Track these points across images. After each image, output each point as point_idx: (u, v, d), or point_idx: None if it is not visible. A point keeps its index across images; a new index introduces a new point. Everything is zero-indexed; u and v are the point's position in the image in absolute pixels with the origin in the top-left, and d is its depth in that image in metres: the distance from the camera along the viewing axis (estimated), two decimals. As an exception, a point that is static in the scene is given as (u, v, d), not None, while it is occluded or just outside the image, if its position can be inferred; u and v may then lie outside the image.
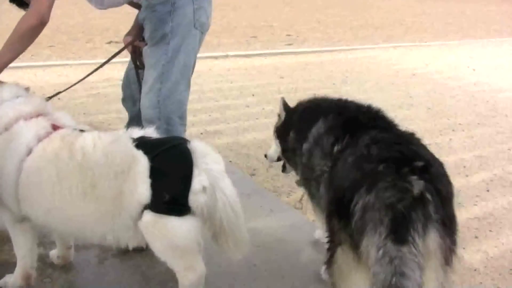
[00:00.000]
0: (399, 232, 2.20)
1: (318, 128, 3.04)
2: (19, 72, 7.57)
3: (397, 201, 2.25)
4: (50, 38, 9.79)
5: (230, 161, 4.97)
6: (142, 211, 2.55)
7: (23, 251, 3.03)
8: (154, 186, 2.53)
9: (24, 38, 3.12)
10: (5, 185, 2.77)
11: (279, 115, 3.68)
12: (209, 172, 2.60)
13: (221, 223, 2.61)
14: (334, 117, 3.05)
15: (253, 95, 7.22)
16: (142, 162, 2.56)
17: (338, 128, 2.94)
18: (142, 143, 2.65)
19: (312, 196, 3.19)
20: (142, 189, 2.53)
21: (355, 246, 2.33)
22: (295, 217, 4.10)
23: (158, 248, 2.66)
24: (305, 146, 3.11)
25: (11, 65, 3.12)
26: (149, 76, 3.53)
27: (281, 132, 3.61)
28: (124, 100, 4.03)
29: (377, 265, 2.21)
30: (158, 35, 3.49)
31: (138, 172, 2.55)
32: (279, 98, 6.55)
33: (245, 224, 2.70)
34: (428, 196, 2.27)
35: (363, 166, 2.48)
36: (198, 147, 2.65)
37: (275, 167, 4.97)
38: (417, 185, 2.28)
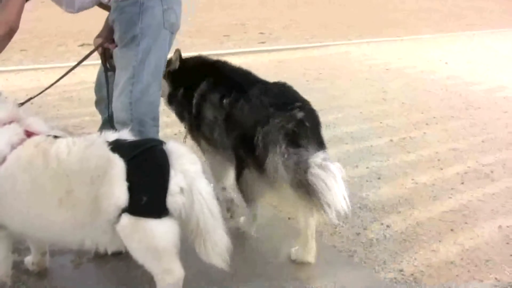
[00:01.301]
0: (294, 141, 3.16)
1: (204, 87, 3.77)
2: (-10, 78, 7.51)
3: (287, 123, 3.19)
4: (22, 42, 9.69)
5: (205, 161, 4.94)
6: (120, 215, 2.54)
7: None
8: (131, 188, 2.52)
9: None
10: None
11: (172, 61, 4.07)
12: (186, 173, 2.60)
13: (198, 224, 2.61)
14: (216, 78, 3.77)
15: (227, 94, 7.21)
16: (118, 165, 2.55)
17: (222, 86, 3.67)
18: (117, 146, 2.64)
19: (206, 139, 3.89)
20: (119, 193, 2.52)
21: (259, 165, 3.28)
22: (270, 216, 4.12)
23: (136, 251, 2.66)
24: (194, 101, 3.82)
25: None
26: (120, 78, 3.51)
27: (173, 79, 4.09)
28: (97, 103, 4.01)
29: (284, 165, 3.12)
30: (128, 36, 3.47)
31: (115, 176, 2.53)
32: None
33: (223, 226, 2.69)
34: (306, 123, 3.24)
35: (259, 111, 3.35)
36: (174, 148, 2.65)
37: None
38: (299, 114, 3.24)
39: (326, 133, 5.77)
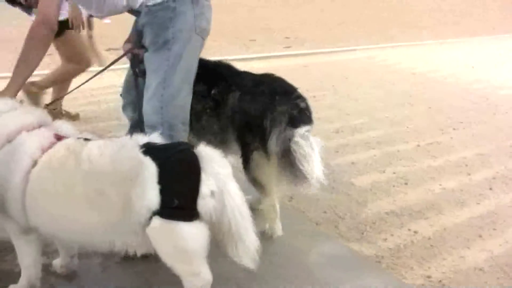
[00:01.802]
0: (293, 123, 3.50)
1: None
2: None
3: (291, 110, 3.55)
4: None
5: (232, 166, 4.95)
6: (151, 217, 2.54)
7: (28, 261, 3.04)
8: (163, 191, 2.52)
9: (38, 48, 3.18)
10: (12, 198, 2.76)
11: None
12: (217, 176, 2.59)
13: (230, 227, 2.60)
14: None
15: (253, 98, 7.22)
16: (150, 168, 2.55)
17: (206, 78, 3.80)
18: (149, 149, 2.64)
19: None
20: (151, 195, 2.52)
21: (265, 149, 3.58)
22: (298, 220, 4.13)
23: (166, 253, 2.66)
24: None
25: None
26: (152, 82, 3.52)
27: None
28: (124, 107, 4.01)
29: (279, 140, 3.49)
30: (160, 41, 3.47)
31: (146, 178, 2.53)
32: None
33: (253, 228, 2.69)
34: (306, 112, 3.64)
35: (262, 99, 3.61)
36: (205, 152, 2.65)
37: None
38: (302, 104, 3.63)
39: (352, 138, 5.85)
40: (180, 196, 2.55)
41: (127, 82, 3.92)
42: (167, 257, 2.67)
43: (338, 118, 6.65)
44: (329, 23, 14.18)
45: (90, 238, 2.76)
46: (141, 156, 2.60)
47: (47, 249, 3.43)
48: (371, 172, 5.05)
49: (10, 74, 3.19)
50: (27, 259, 3.04)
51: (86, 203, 2.62)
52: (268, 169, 3.71)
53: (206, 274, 2.69)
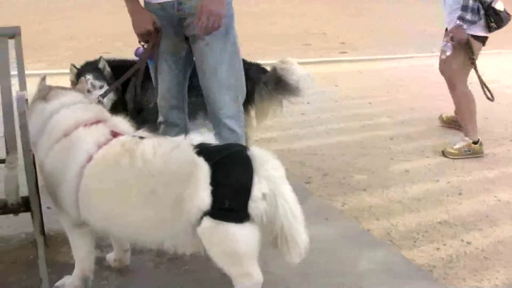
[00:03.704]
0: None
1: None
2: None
3: (271, 77, 4.72)
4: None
5: (286, 169, 4.95)
6: (202, 218, 2.55)
7: (82, 254, 3.10)
8: (215, 193, 2.53)
9: None
10: (66, 191, 2.81)
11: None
12: (269, 178, 2.58)
13: (282, 228, 2.59)
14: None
15: (308, 103, 7.19)
16: (203, 169, 2.56)
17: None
18: (202, 150, 2.65)
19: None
20: (203, 196, 2.53)
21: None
22: (350, 225, 4.09)
23: (216, 254, 2.67)
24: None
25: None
26: (219, 71, 3.57)
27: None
28: (168, 115, 3.95)
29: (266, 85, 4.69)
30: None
31: (199, 179, 2.54)
32: (334, 106, 6.55)
33: (305, 230, 2.67)
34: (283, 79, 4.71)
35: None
36: (258, 154, 2.65)
37: (330, 175, 4.98)
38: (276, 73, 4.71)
39: (407, 146, 5.80)
40: (231, 198, 2.55)
41: (167, 89, 3.85)
42: (217, 257, 2.68)
43: (393, 125, 6.61)
44: (385, 31, 14.06)
45: (140, 235, 2.80)
46: (195, 156, 2.61)
47: (101, 243, 3.51)
48: (424, 181, 5.00)
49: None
50: (81, 251, 3.10)
51: (137, 201, 2.66)
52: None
53: (256, 275, 2.69)
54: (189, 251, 2.77)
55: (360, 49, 11.65)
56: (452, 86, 5.76)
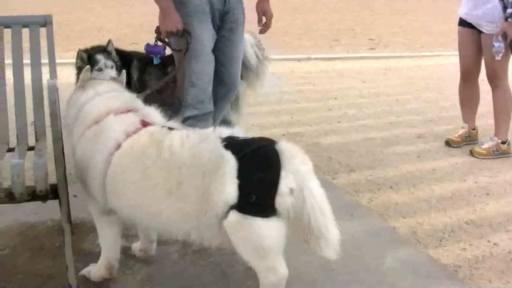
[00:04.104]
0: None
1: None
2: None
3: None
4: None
5: (313, 164, 4.94)
6: (228, 211, 2.55)
7: (108, 242, 3.11)
8: (241, 187, 2.52)
9: None
10: (94, 178, 2.83)
11: None
12: (297, 173, 2.56)
13: (309, 224, 2.58)
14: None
15: (335, 99, 7.18)
16: (230, 163, 2.55)
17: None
18: (230, 143, 2.64)
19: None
20: (230, 190, 2.52)
21: None
22: (376, 223, 4.07)
23: (242, 247, 2.66)
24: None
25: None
26: (238, 56, 4.26)
27: None
28: (204, 103, 4.03)
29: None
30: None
31: (226, 173, 2.54)
32: (361, 103, 6.52)
33: (335, 223, 2.65)
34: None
35: None
36: (286, 148, 2.62)
37: (357, 171, 4.96)
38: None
39: (434, 144, 5.75)
40: (258, 192, 2.54)
41: (209, 80, 4.03)
42: (243, 251, 2.68)
43: (421, 124, 6.57)
44: (414, 28, 13.97)
45: (165, 226, 2.80)
46: (222, 150, 2.60)
47: (127, 232, 3.52)
48: (452, 180, 4.95)
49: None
50: (107, 239, 3.12)
51: (163, 192, 2.66)
52: None
53: (282, 269, 2.68)
54: (214, 244, 2.77)
55: (388, 46, 11.58)
56: (494, 83, 5.66)
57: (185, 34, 3.76)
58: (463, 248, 3.81)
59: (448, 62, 10.21)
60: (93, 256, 3.27)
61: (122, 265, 3.25)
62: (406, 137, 6.02)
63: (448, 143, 5.76)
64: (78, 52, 4.42)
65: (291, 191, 2.54)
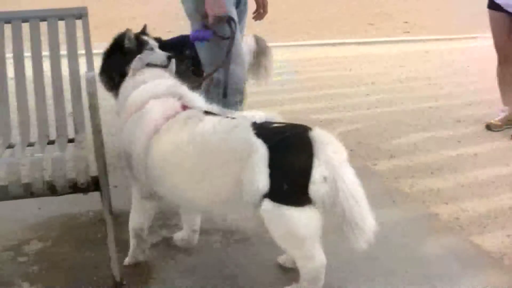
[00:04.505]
0: None
1: None
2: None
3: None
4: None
5: (351, 150, 4.90)
6: (262, 200, 2.55)
7: (139, 220, 3.18)
8: (273, 176, 2.52)
9: None
10: (137, 161, 2.89)
11: None
12: (330, 161, 2.54)
13: (344, 213, 2.55)
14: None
15: (372, 83, 7.11)
16: (261, 151, 2.55)
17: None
18: (262, 131, 2.63)
19: None
20: (260, 179, 2.53)
21: None
22: (418, 209, 4.02)
23: (277, 236, 2.68)
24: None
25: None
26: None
27: None
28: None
29: None
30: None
31: (257, 161, 2.54)
32: (399, 87, 6.43)
33: (370, 213, 2.62)
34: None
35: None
36: (319, 136, 2.60)
37: (397, 157, 4.90)
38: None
39: (475, 128, 5.66)
40: (290, 181, 2.54)
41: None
42: (279, 239, 2.70)
43: (460, 108, 6.44)
44: (450, 10, 13.75)
45: (203, 208, 2.89)
46: (253, 138, 2.60)
47: (169, 222, 3.52)
48: (494, 165, 4.86)
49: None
50: (139, 219, 3.17)
51: (196, 175, 2.70)
52: None
53: (319, 257, 2.70)
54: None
55: (425, 28, 11.42)
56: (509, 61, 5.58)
57: (230, 20, 3.73)
58: (507, 235, 3.74)
59: (488, 45, 10.01)
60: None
61: (164, 255, 3.28)
62: (446, 121, 5.92)
63: (489, 127, 5.66)
64: (125, 31, 4.47)
65: (325, 179, 2.52)
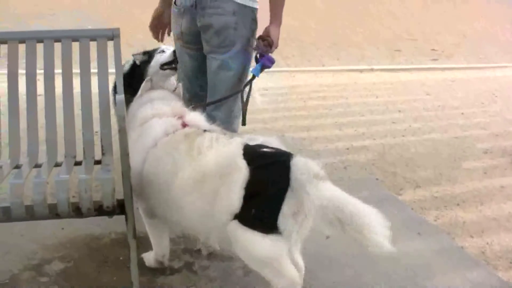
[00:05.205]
0: None
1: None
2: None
3: None
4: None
5: (377, 179, 4.88)
6: (231, 219, 2.58)
7: (154, 241, 3.31)
8: (245, 198, 2.54)
9: None
10: (134, 175, 2.90)
11: None
12: (306, 192, 2.45)
13: (351, 226, 2.40)
14: None
15: (399, 111, 7.07)
16: (242, 172, 2.57)
17: None
18: (250, 153, 2.67)
19: None
20: (234, 198, 2.55)
21: None
22: (443, 241, 3.96)
23: (243, 256, 2.71)
24: None
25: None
26: None
27: None
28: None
29: None
30: None
31: (236, 180, 2.57)
32: (426, 116, 6.38)
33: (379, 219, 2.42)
34: None
35: None
36: (300, 165, 2.52)
37: (423, 187, 4.85)
38: None
39: (503, 160, 5.61)
40: (259, 208, 2.54)
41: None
42: (245, 260, 2.73)
43: (488, 138, 6.39)
44: (478, 36, 13.68)
45: (188, 222, 2.85)
46: (240, 157, 2.63)
47: (191, 247, 3.55)
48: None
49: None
50: (154, 238, 3.30)
51: (188, 188, 2.72)
52: None
53: (289, 274, 2.66)
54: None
55: (452, 56, 11.36)
56: None
57: None
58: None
59: (517, 74, 9.97)
60: (156, 270, 3.33)
61: (186, 281, 3.27)
62: (473, 152, 5.87)
63: None
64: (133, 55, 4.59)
65: (295, 213, 2.50)
